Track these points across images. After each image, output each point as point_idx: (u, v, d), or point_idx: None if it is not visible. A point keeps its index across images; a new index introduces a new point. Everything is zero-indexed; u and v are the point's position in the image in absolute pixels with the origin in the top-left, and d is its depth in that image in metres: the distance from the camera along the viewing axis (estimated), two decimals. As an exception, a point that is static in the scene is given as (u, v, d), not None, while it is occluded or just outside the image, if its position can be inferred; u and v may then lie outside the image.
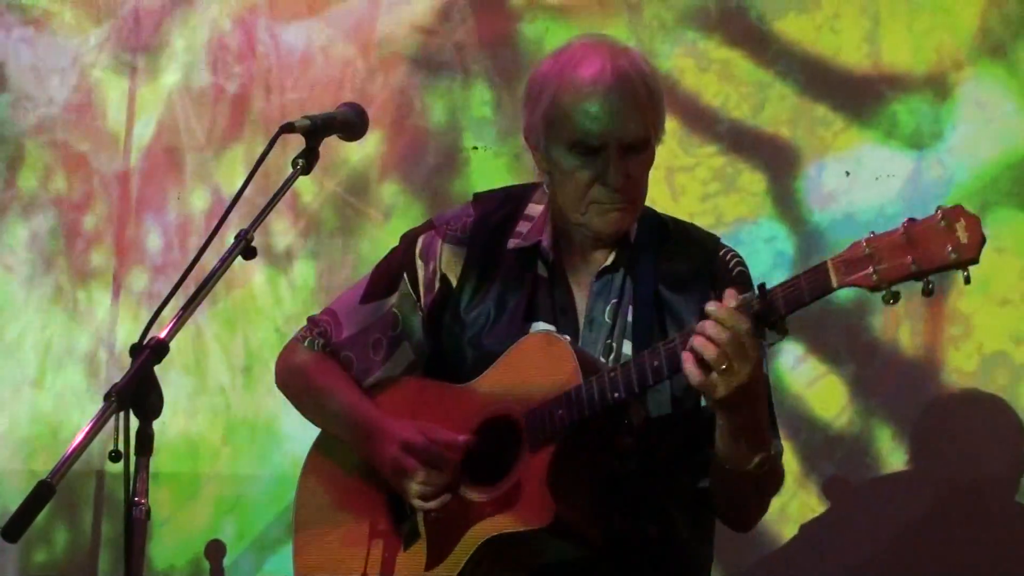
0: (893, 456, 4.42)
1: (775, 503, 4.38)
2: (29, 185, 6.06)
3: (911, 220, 2.68)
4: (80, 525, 5.74)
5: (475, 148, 5.17)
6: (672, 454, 3.07)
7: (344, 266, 5.34)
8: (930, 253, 2.64)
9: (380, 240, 5.20)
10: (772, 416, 3.15)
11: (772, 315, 2.78)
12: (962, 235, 2.63)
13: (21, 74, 6.11)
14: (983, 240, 2.63)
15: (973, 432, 4.37)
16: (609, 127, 3.07)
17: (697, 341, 2.79)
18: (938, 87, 4.48)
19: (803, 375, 4.56)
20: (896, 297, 2.67)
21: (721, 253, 3.23)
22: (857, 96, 4.57)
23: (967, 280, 2.64)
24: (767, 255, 4.56)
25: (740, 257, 3.24)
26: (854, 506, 4.44)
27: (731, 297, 2.82)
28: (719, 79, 4.78)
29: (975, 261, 2.63)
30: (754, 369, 2.79)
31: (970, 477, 4.34)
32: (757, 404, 2.89)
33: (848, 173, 4.52)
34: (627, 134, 3.09)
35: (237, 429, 5.47)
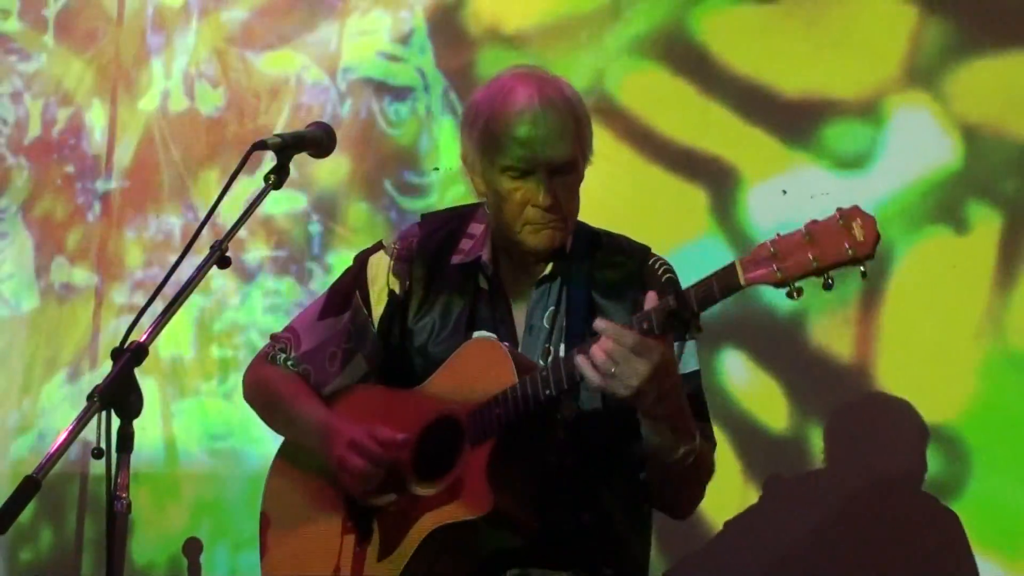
0: (823, 456, 4.45)
1: (719, 500, 4.45)
2: (16, 205, 6.06)
3: (813, 221, 2.72)
4: (64, 526, 5.73)
5: (436, 169, 5.19)
6: (605, 447, 3.11)
7: (312, 279, 5.35)
8: (829, 250, 2.68)
9: (347, 255, 5.20)
10: (703, 411, 3.22)
11: (687, 312, 2.82)
12: (858, 233, 2.68)
13: (7, 99, 6.11)
14: (878, 238, 2.68)
15: (884, 432, 4.41)
16: (537, 152, 3.11)
17: (592, 348, 2.85)
18: (869, 112, 4.51)
19: (747, 384, 4.58)
20: (800, 292, 2.72)
21: (651, 262, 3.26)
22: (793, 120, 4.60)
23: (864, 275, 2.70)
24: (709, 269, 4.58)
25: (669, 265, 3.27)
26: (786, 501, 4.47)
27: (651, 299, 2.87)
28: (665, 104, 4.81)
29: (871, 257, 2.68)
30: (651, 373, 2.83)
31: (881, 472, 4.38)
32: (666, 401, 2.91)
33: (785, 192, 4.55)
34: (554, 158, 3.12)
35: (213, 433, 5.47)
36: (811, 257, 2.70)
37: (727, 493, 4.52)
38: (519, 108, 3.12)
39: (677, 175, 4.75)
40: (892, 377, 4.39)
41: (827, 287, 2.71)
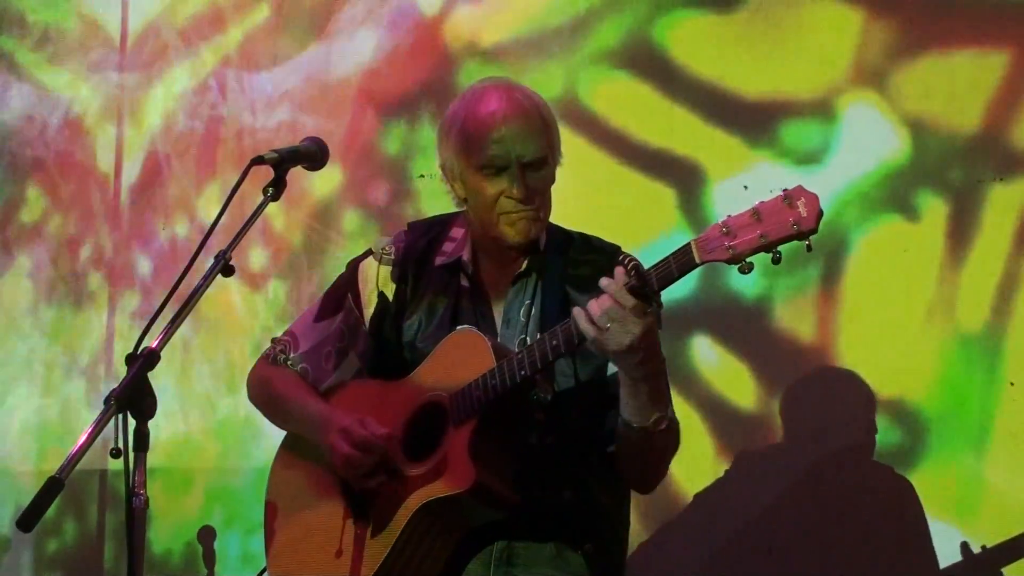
0: (788, 431, 4.44)
1: (694, 475, 4.45)
2: (32, 222, 6.04)
3: (761, 202, 2.75)
4: (87, 519, 5.71)
5: (421, 176, 5.17)
6: (581, 426, 3.12)
7: (311, 283, 5.33)
8: (776, 227, 2.71)
9: (342, 260, 5.17)
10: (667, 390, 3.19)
11: (647, 289, 2.85)
12: (802, 210, 2.71)
13: (22, 124, 6.09)
14: (820, 213, 2.71)
15: (843, 407, 4.40)
16: (509, 149, 3.15)
17: (590, 304, 2.88)
18: (822, 111, 4.51)
19: (717, 366, 4.57)
20: (750, 267, 2.74)
21: (620, 257, 3.27)
22: (753, 121, 4.59)
23: (809, 248, 2.72)
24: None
25: (638, 261, 3.26)
26: (755, 474, 4.47)
27: (619, 274, 2.89)
28: (633, 109, 4.80)
29: (814, 231, 2.70)
30: (643, 332, 2.85)
31: (840, 444, 4.38)
32: (650, 362, 2.93)
33: (746, 187, 4.54)
34: (526, 154, 3.16)
35: (222, 428, 5.46)
36: (759, 234, 2.72)
37: (701, 469, 4.52)
38: (491, 111, 3.17)
39: (647, 175, 4.74)
40: (851, 356, 4.38)
41: (775, 261, 2.74)
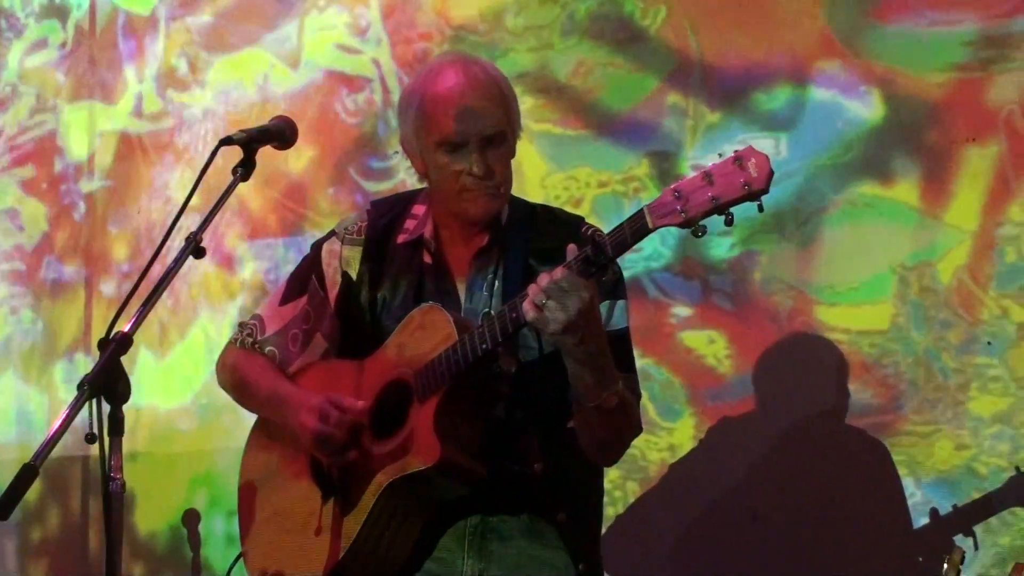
0: (766, 396, 4.46)
1: (673, 444, 4.48)
2: (6, 208, 6.03)
3: (712, 164, 2.76)
4: (70, 506, 5.72)
5: (395, 152, 5.16)
6: (548, 398, 3.12)
7: (287, 263, 5.32)
8: (727, 189, 2.71)
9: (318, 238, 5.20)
10: (631, 365, 3.23)
11: (602, 257, 2.85)
12: (752, 171, 2.70)
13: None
14: (771, 173, 2.70)
15: (819, 372, 4.42)
16: (467, 125, 3.14)
17: (530, 287, 2.88)
18: (794, 76, 4.51)
19: (693, 332, 4.59)
20: (704, 230, 2.75)
21: (583, 228, 3.28)
22: (725, 88, 4.60)
23: (760, 209, 2.73)
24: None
25: (601, 232, 3.21)
26: (733, 439, 4.48)
27: (571, 251, 2.89)
28: (607, 81, 4.79)
29: (765, 192, 2.71)
30: (579, 310, 2.84)
31: (815, 408, 4.41)
32: (588, 343, 2.92)
33: (720, 155, 4.52)
34: (484, 129, 3.15)
35: (204, 411, 5.45)
36: (710, 196, 2.72)
37: (679, 436, 4.54)
38: (448, 87, 3.15)
39: (620, 146, 4.74)
40: (827, 320, 4.40)
41: (728, 223, 2.74)
